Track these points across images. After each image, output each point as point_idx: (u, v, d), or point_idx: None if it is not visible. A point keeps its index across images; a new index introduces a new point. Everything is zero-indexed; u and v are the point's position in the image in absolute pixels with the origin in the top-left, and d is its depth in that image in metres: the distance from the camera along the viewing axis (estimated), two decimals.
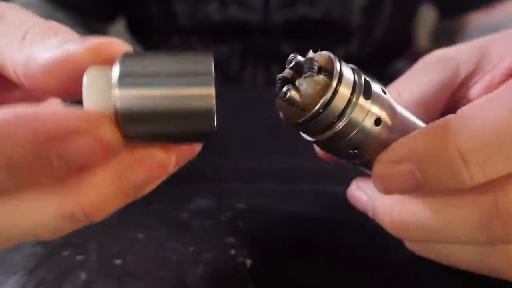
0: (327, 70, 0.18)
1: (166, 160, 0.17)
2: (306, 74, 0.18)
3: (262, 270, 0.24)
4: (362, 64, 0.70)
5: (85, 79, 0.16)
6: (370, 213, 0.21)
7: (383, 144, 0.19)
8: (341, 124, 0.18)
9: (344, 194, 0.24)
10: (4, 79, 0.18)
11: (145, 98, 0.15)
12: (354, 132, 0.18)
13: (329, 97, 0.17)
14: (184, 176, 0.19)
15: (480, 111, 0.17)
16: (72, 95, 0.17)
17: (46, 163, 0.14)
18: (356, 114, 0.18)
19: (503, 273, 0.20)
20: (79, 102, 0.16)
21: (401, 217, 0.20)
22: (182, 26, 0.57)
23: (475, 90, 0.24)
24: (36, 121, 0.14)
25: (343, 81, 0.17)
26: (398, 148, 0.18)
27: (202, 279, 0.23)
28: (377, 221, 0.21)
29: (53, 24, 0.18)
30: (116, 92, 0.15)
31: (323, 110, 0.17)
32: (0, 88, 0.21)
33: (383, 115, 0.18)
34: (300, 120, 0.18)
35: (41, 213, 0.16)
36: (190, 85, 0.15)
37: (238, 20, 0.56)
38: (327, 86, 0.18)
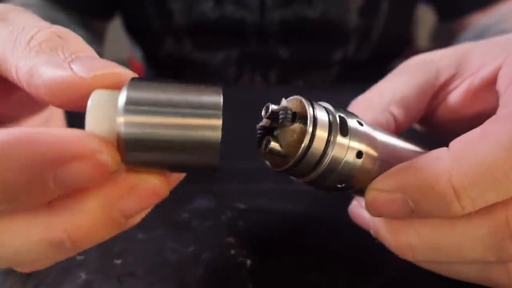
0: (302, 115, 0.19)
1: (160, 188, 0.16)
2: (282, 124, 0.18)
3: (262, 270, 0.24)
4: (360, 66, 0.70)
5: (89, 102, 0.15)
6: (371, 232, 0.21)
7: (370, 174, 0.20)
8: (324, 165, 0.18)
9: (344, 194, 0.24)
10: (8, 81, 0.18)
11: (150, 126, 0.15)
12: (338, 169, 0.19)
13: (307, 143, 0.18)
14: (184, 176, 0.19)
15: (471, 148, 0.18)
16: (74, 110, 0.17)
17: (42, 186, 0.14)
18: (336, 153, 0.18)
19: (506, 286, 0.20)
20: (80, 113, 0.16)
21: (408, 240, 0.19)
22: (177, 26, 0.57)
23: (454, 94, 0.25)
24: (32, 144, 0.14)
25: (318, 124, 0.18)
26: (391, 178, 0.19)
27: (202, 279, 0.23)
28: (380, 241, 0.21)
29: (59, 30, 0.18)
30: (121, 118, 0.15)
31: (304, 156, 0.18)
32: (3, 90, 0.21)
33: (363, 147, 0.19)
34: (287, 166, 0.18)
35: (26, 238, 0.15)
36: (197, 116, 0.15)
37: (234, 19, 0.56)
38: (303, 132, 0.18)
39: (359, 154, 0.19)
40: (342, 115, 0.19)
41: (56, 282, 0.23)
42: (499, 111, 0.19)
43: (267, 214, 0.29)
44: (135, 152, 0.15)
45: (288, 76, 0.60)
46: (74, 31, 0.18)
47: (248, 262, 0.24)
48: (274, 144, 0.18)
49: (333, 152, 0.18)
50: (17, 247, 0.16)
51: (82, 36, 0.18)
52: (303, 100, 0.19)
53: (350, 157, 0.19)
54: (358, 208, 0.24)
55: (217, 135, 0.15)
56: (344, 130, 0.19)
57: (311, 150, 0.18)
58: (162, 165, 0.16)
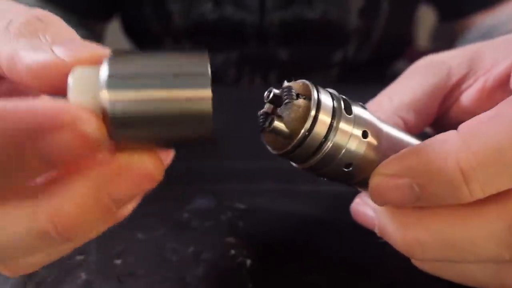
0: (306, 96, 0.18)
1: (154, 170, 0.15)
2: (286, 101, 0.18)
3: (262, 270, 0.24)
4: (360, 68, 0.69)
5: (70, 79, 0.15)
6: (376, 230, 0.20)
7: (373, 164, 0.19)
8: (325, 151, 0.18)
9: (344, 194, 0.25)
10: None
11: (137, 100, 0.14)
12: (339, 156, 0.18)
13: (309, 126, 0.18)
14: (184, 176, 0.19)
15: (482, 129, 0.17)
16: (57, 93, 0.16)
17: (22, 161, 0.13)
18: (338, 139, 0.18)
19: None
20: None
21: (417, 235, 0.18)
22: (177, 27, 0.57)
23: (468, 94, 0.24)
24: (7, 116, 0.13)
25: (321, 107, 0.18)
26: (397, 161, 0.18)
27: (202, 279, 0.23)
28: (385, 239, 0.20)
29: (39, 13, 0.17)
30: (105, 94, 0.14)
31: (307, 136, 0.18)
32: None
33: (367, 134, 0.19)
34: (288, 149, 0.18)
35: (10, 228, 0.14)
36: (185, 86, 0.14)
37: (234, 20, 0.55)
38: (308, 108, 0.18)
39: (362, 143, 0.19)
40: (347, 101, 0.19)
41: (56, 282, 0.23)
42: None
43: (267, 214, 0.29)
44: (123, 128, 0.14)
45: (288, 78, 0.60)
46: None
47: (248, 262, 0.24)
48: (277, 123, 0.18)
49: (335, 138, 0.18)
50: (1, 238, 0.15)
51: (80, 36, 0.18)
52: (308, 83, 0.18)
53: (353, 145, 0.18)
54: (361, 206, 0.23)
55: (208, 104, 0.14)
56: (348, 117, 0.18)
57: (313, 133, 0.18)
58: (153, 141, 0.15)
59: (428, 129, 0.28)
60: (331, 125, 0.18)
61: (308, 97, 0.18)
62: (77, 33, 0.18)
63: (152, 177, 0.15)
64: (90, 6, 0.59)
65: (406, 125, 0.24)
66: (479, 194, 0.16)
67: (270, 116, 0.19)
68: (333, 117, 0.18)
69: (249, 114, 0.21)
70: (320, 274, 0.24)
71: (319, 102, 0.18)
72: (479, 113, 0.23)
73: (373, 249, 0.22)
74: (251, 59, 0.59)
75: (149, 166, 0.15)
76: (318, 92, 0.18)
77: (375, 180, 0.18)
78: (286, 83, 0.19)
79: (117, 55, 0.15)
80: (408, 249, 0.18)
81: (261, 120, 0.19)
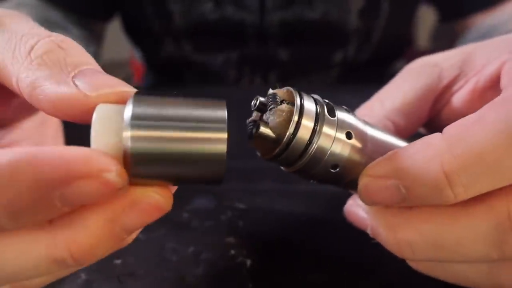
0: (290, 102, 0.19)
1: (163, 203, 0.16)
2: (271, 106, 0.19)
3: (262, 270, 0.24)
4: (360, 68, 0.69)
5: (94, 116, 0.15)
6: (369, 231, 0.20)
7: (359, 166, 0.19)
8: (309, 154, 0.19)
9: (343, 193, 0.25)
10: (3, 87, 0.18)
11: (157, 140, 0.15)
12: (324, 159, 0.19)
13: (292, 130, 0.18)
14: None
15: (465, 132, 0.17)
16: (77, 122, 0.17)
17: (48, 204, 0.14)
18: (322, 143, 0.19)
19: None
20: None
21: (406, 236, 0.18)
22: (177, 27, 0.57)
23: (459, 95, 0.24)
24: (38, 164, 0.14)
25: (304, 113, 0.18)
26: (383, 163, 0.18)
27: (202, 279, 0.23)
28: (377, 240, 0.20)
29: (60, 39, 0.17)
30: (128, 133, 0.15)
31: (292, 140, 0.18)
32: (2, 96, 0.20)
33: (351, 137, 0.19)
34: (275, 152, 0.19)
35: (28, 255, 0.15)
36: (203, 130, 0.15)
37: (234, 20, 0.56)
38: (291, 112, 0.18)
39: (346, 145, 0.19)
40: (331, 106, 0.19)
41: (56, 282, 0.23)
42: (497, 97, 0.18)
43: (266, 214, 0.29)
44: (142, 166, 0.15)
45: (288, 78, 0.60)
46: (70, 30, 0.18)
47: (248, 262, 0.24)
48: (263, 128, 0.19)
49: (319, 142, 0.18)
50: (19, 264, 0.15)
51: (78, 36, 0.18)
52: (292, 89, 0.19)
53: (337, 147, 0.19)
54: (353, 207, 0.24)
55: (223, 148, 0.15)
56: (332, 120, 0.19)
57: (297, 137, 0.18)
58: (167, 178, 0.16)
59: (422, 130, 0.28)
60: (314, 129, 0.18)
61: (292, 102, 0.19)
62: (77, 32, 0.18)
63: (162, 209, 0.16)
64: (90, 6, 0.59)
65: (396, 128, 0.24)
66: (463, 196, 0.17)
67: (257, 122, 0.19)
68: (316, 121, 0.18)
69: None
70: (320, 273, 0.24)
71: (301, 108, 0.18)
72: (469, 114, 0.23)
73: (373, 248, 0.22)
74: (251, 59, 0.59)
75: (160, 199, 0.16)
76: (301, 98, 0.19)
77: (363, 181, 0.19)
78: (271, 91, 0.20)
79: (140, 96, 0.16)
80: (399, 249, 0.19)
81: (249, 128, 0.20)
